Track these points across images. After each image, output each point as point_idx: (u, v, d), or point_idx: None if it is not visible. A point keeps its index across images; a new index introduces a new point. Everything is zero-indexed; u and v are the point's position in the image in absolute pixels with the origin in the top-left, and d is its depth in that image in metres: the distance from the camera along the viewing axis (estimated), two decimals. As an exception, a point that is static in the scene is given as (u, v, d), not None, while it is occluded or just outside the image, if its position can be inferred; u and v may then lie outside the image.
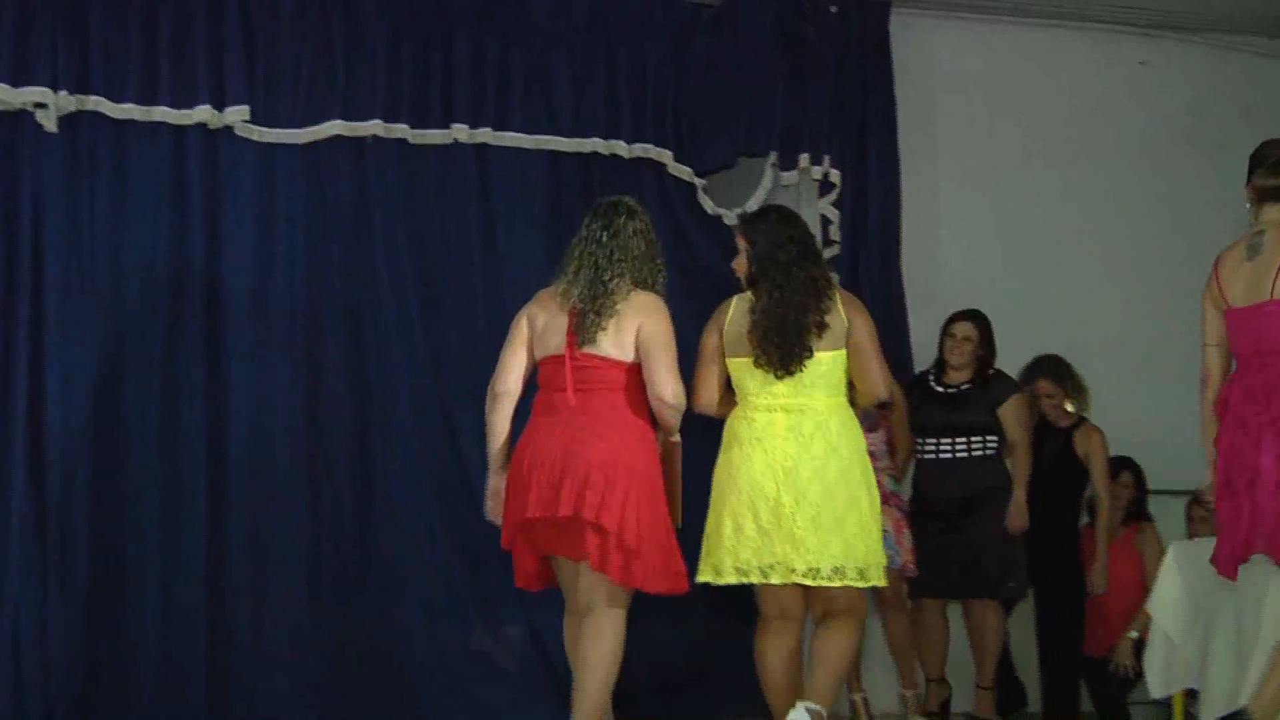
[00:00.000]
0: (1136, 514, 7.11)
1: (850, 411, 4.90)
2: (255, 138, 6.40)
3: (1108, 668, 6.79)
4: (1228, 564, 4.78)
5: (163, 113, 6.25)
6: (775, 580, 4.77)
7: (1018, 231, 7.82)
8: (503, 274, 6.71)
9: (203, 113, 6.27)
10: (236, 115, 6.32)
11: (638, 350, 4.81)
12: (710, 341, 4.94)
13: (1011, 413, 6.53)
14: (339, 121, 6.49)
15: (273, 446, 6.30)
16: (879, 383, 4.90)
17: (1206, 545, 5.32)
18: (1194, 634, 5.13)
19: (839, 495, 4.75)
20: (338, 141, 6.51)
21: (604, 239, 4.92)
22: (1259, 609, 4.83)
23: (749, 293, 4.96)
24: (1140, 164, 8.08)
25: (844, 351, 4.85)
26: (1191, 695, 5.19)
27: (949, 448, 6.51)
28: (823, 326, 4.81)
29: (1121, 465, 7.07)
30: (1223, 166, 8.16)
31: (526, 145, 6.80)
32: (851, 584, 4.78)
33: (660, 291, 4.99)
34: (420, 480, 6.41)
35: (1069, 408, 7.01)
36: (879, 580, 4.86)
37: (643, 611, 5.14)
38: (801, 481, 4.73)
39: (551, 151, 6.84)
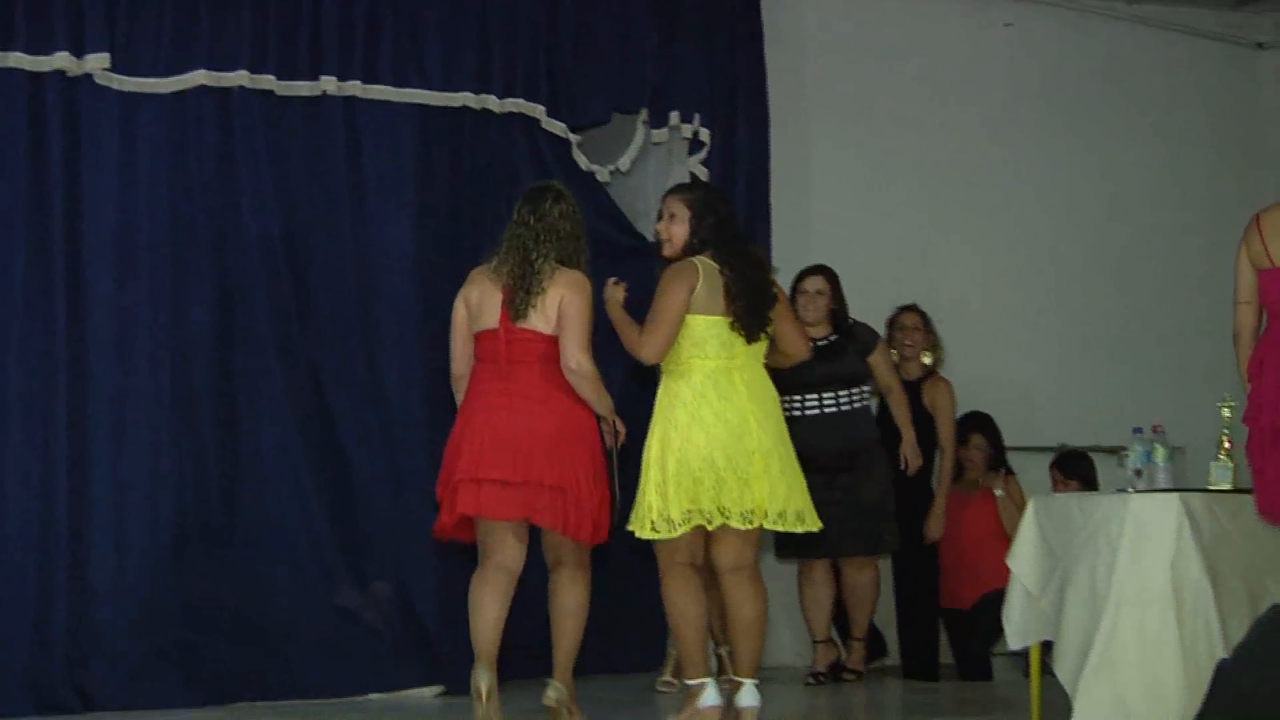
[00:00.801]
0: (995, 467, 7.23)
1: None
2: (116, 86, 6.24)
3: (969, 621, 6.93)
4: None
5: (18, 58, 6.07)
6: (735, 524, 4.98)
7: (886, 192, 7.91)
8: (371, 228, 6.64)
9: (61, 59, 6.11)
10: (97, 63, 6.17)
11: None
12: (678, 298, 5.06)
13: (883, 358, 6.69)
14: (203, 71, 6.35)
15: (136, 400, 6.19)
16: (802, 343, 5.42)
17: (1065, 500, 5.45)
18: (1051, 587, 5.25)
19: (785, 446, 5.11)
20: (202, 92, 6.38)
21: (531, 222, 5.28)
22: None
23: (706, 257, 5.14)
24: (1005, 127, 8.21)
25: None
26: (1048, 647, 5.31)
27: (831, 401, 6.51)
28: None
29: (974, 426, 7.17)
30: (1082, 130, 8.37)
31: (395, 98, 6.71)
32: (792, 528, 5.05)
33: (584, 268, 5.33)
34: (287, 434, 6.34)
35: (925, 359, 7.11)
36: (814, 524, 5.12)
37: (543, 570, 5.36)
38: (757, 433, 5.01)
39: (421, 105, 6.77)
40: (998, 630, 6.46)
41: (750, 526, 4.97)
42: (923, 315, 7.10)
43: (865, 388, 6.62)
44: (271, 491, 6.32)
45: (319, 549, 6.33)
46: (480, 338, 5.27)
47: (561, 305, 5.17)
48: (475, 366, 5.30)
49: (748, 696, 5.00)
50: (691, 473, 4.95)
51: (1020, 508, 6.93)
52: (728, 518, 4.95)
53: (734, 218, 5.33)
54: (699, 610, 5.04)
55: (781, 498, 4.99)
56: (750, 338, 5.08)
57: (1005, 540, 6.83)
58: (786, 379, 5.84)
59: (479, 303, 5.27)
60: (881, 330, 7.02)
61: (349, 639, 6.31)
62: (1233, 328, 5.15)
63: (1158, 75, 8.60)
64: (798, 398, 6.46)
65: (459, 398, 5.38)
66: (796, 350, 5.37)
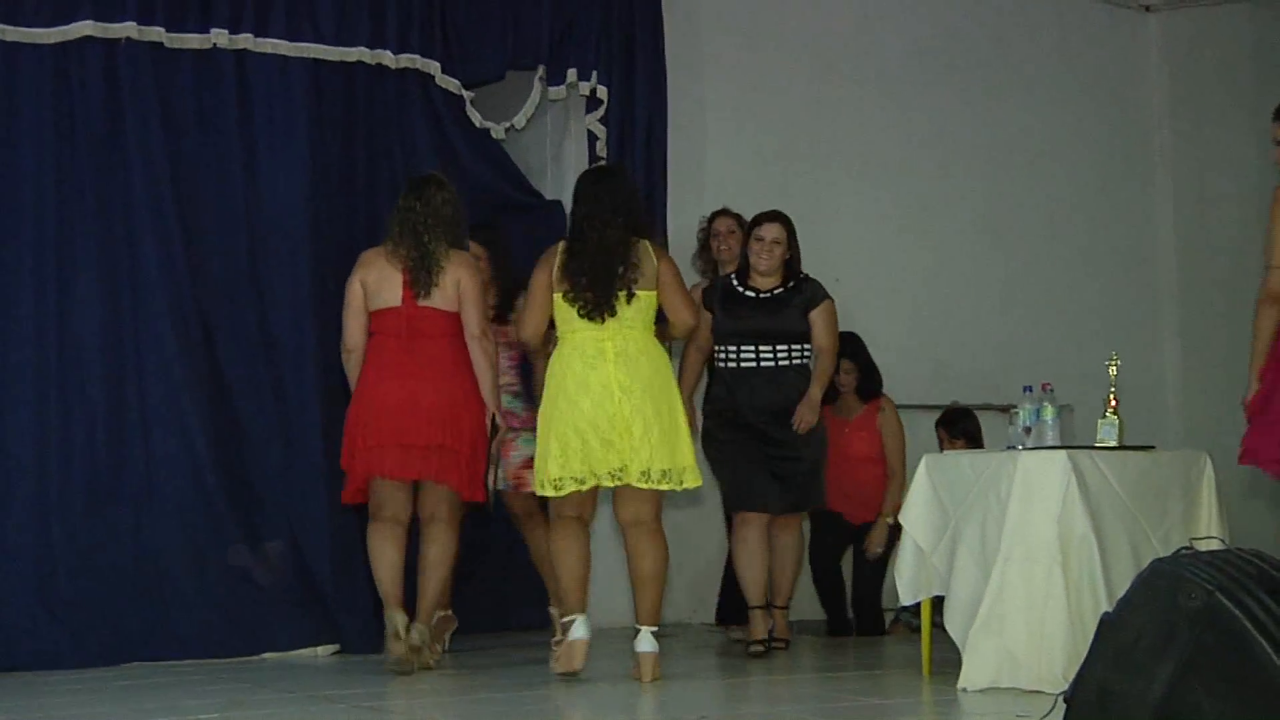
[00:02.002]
0: (871, 392, 7.21)
1: (657, 341, 5.54)
2: (-2, 37, 6.11)
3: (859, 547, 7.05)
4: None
5: (-111, 6, 5.92)
6: (605, 484, 5.35)
7: (783, 150, 7.95)
8: (263, 184, 6.55)
9: (-61, 7, 5.96)
10: (-25, 13, 6.02)
11: (458, 300, 5.70)
12: (540, 279, 5.47)
13: (824, 317, 6.26)
14: (90, 22, 6.22)
15: (22, 356, 6.08)
16: (686, 313, 5.54)
17: (956, 458, 5.53)
18: (943, 544, 5.32)
19: (664, 410, 5.37)
20: (88, 43, 6.24)
21: (418, 208, 5.73)
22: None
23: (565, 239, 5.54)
24: (895, 86, 8.27)
25: (655, 292, 5.45)
26: (938, 602, 5.39)
27: (769, 355, 6.20)
28: (635, 271, 5.41)
29: (841, 349, 7.10)
30: (970, 91, 8.45)
31: (288, 53, 6.62)
32: (673, 487, 5.38)
33: (468, 249, 5.85)
34: (177, 392, 6.25)
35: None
36: (694, 482, 5.42)
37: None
38: (620, 398, 5.32)
39: (315, 60, 6.68)
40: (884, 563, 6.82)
41: (617, 484, 5.32)
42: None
43: (806, 346, 6.27)
44: (161, 450, 6.23)
45: (210, 508, 6.26)
46: (381, 315, 5.71)
47: (460, 286, 5.67)
48: (374, 341, 5.72)
49: (645, 643, 5.30)
50: (561, 437, 5.32)
51: (895, 435, 7.07)
52: (598, 478, 5.31)
53: (608, 200, 5.44)
54: (577, 558, 5.41)
55: (645, 458, 5.29)
56: (589, 313, 5.36)
57: (885, 462, 7.07)
58: (722, 328, 6.21)
59: (378, 282, 5.70)
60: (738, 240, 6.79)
61: (241, 598, 6.26)
62: (1267, 290, 5.22)
63: (1046, 37, 8.71)
64: (732, 349, 6.23)
65: (351, 371, 5.78)
66: (679, 320, 5.55)
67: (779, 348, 6.21)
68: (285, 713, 4.82)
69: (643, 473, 5.29)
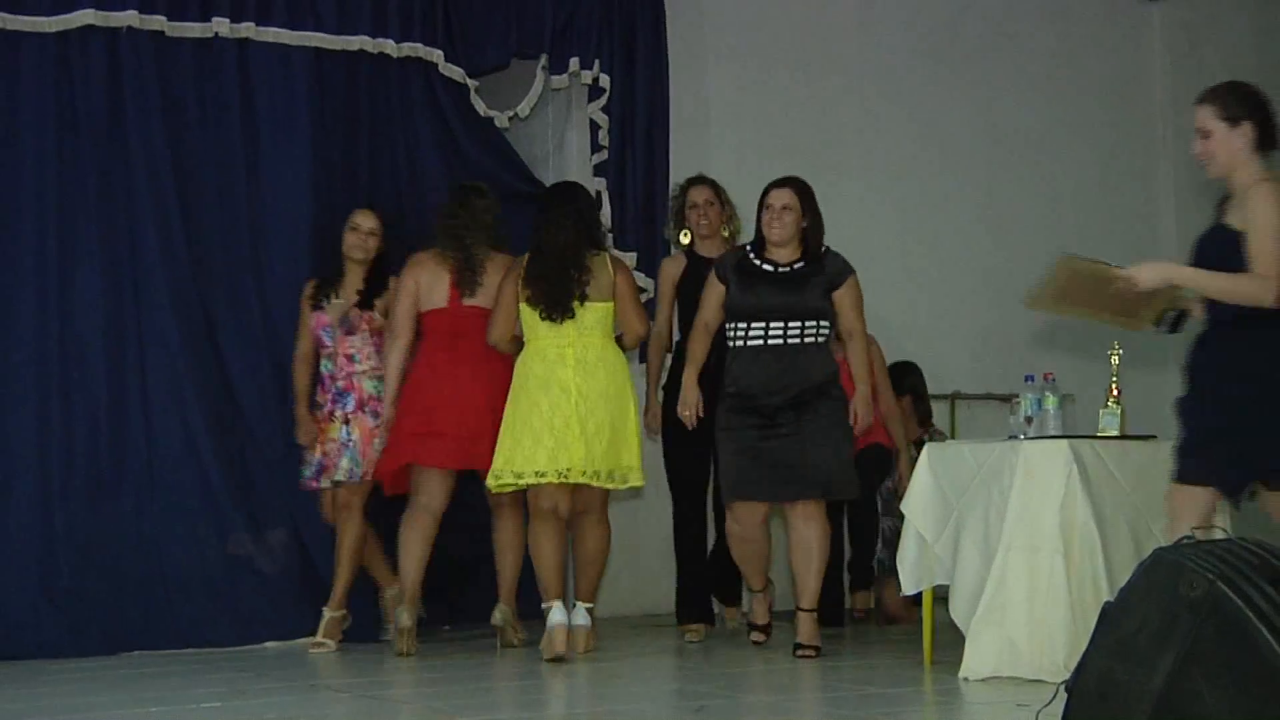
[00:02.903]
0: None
1: (617, 348, 5.92)
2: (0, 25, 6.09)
3: None
4: None
5: (-111, -6, 5.92)
6: (554, 481, 5.73)
7: (784, 139, 7.93)
8: (264, 174, 6.55)
9: (-60, -4, 5.96)
10: (-24, 1, 6.03)
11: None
12: (508, 289, 5.86)
13: (851, 296, 5.79)
14: (91, 11, 6.22)
15: (22, 346, 6.09)
16: (637, 323, 5.91)
17: (958, 447, 5.53)
18: (945, 533, 5.32)
19: (616, 416, 5.76)
20: (89, 32, 6.24)
21: (461, 214, 6.09)
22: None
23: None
24: (897, 75, 8.25)
25: (612, 303, 5.84)
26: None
27: (778, 333, 5.70)
28: (589, 276, 5.78)
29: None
30: (973, 79, 8.43)
31: (290, 41, 6.61)
32: (618, 485, 5.85)
33: (506, 250, 6.12)
34: (179, 381, 6.26)
35: (724, 234, 6.53)
36: (638, 481, 5.86)
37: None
38: (577, 400, 5.71)
39: (317, 49, 6.67)
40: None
41: (566, 482, 5.71)
42: (715, 187, 6.32)
43: (823, 322, 5.75)
44: (163, 440, 6.24)
45: (212, 497, 6.26)
46: (430, 315, 6.05)
47: (498, 287, 5.95)
48: (425, 342, 6.07)
49: (579, 616, 5.80)
50: (517, 436, 5.74)
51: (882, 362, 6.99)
52: (545, 476, 5.70)
53: (566, 209, 5.86)
54: (552, 548, 5.78)
55: (597, 458, 5.71)
56: (548, 315, 5.75)
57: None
58: (738, 306, 5.79)
59: (429, 284, 6.05)
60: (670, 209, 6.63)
61: (243, 587, 6.27)
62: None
63: (1048, 30, 8.69)
64: (741, 326, 5.77)
65: (392, 357, 6.06)
66: (631, 330, 5.92)
67: (793, 325, 5.73)
68: (287, 701, 4.83)
69: (593, 472, 5.71)
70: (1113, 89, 8.83)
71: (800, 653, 5.68)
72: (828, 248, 5.86)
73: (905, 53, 8.28)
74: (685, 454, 6.34)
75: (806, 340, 5.74)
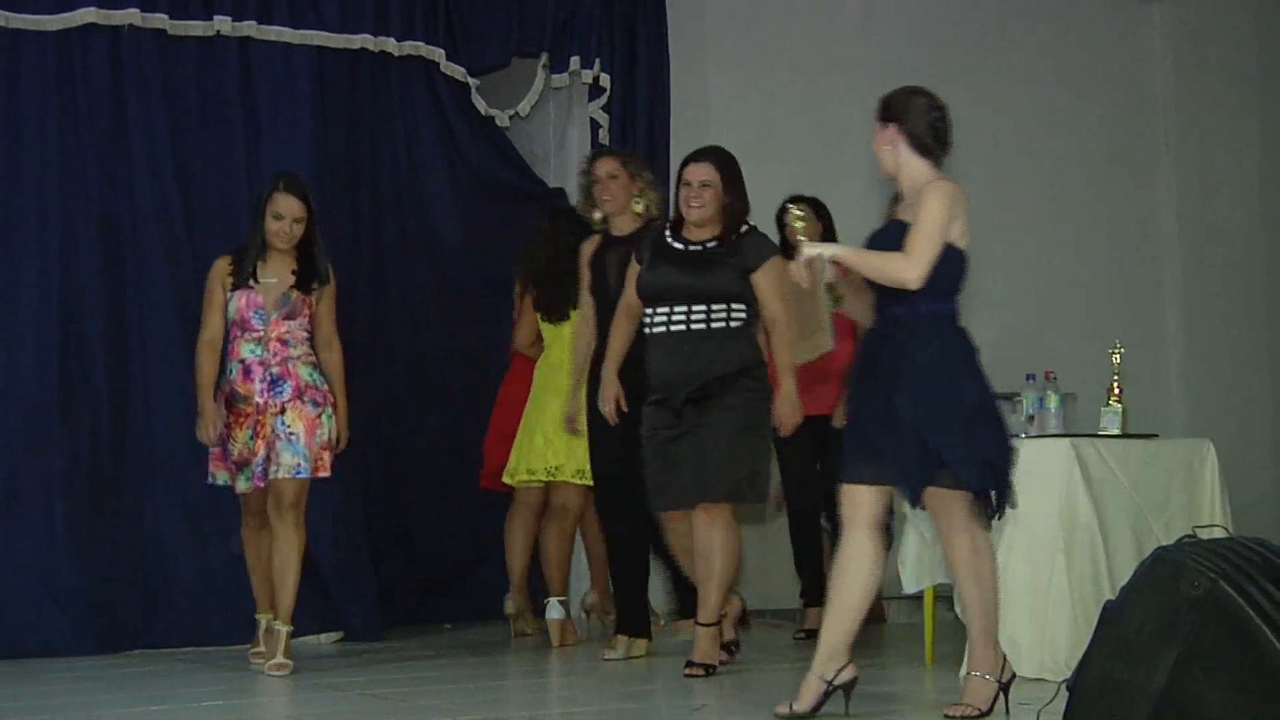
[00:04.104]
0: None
1: None
2: (0, 23, 6.09)
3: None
4: None
5: (-110, -7, 5.92)
6: (556, 478, 6.15)
7: (785, 137, 7.92)
8: (266, 173, 6.48)
9: (-58, -5, 5.96)
10: (-22, 0, 6.03)
11: None
12: (524, 294, 6.31)
13: (771, 279, 5.19)
14: (93, 9, 6.22)
15: (22, 345, 6.09)
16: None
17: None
18: (946, 531, 5.31)
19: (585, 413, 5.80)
20: (91, 30, 6.24)
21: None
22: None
23: None
24: (897, 73, 8.15)
25: None
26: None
27: (682, 318, 5.15)
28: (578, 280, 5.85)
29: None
30: (972, 78, 8.41)
31: (292, 40, 6.62)
32: (571, 480, 6.10)
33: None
34: (182, 384, 6.21)
35: (636, 209, 5.82)
36: (586, 481, 6.00)
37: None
38: (556, 402, 6.07)
39: (318, 47, 6.68)
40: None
41: (551, 479, 6.14)
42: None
43: (737, 306, 5.16)
44: (164, 438, 6.23)
45: (214, 495, 6.25)
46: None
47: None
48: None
49: (552, 610, 6.02)
50: (530, 435, 6.19)
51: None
52: (558, 474, 6.11)
53: (562, 219, 6.28)
54: (557, 545, 6.17)
55: (580, 459, 5.93)
56: (547, 316, 6.18)
57: None
58: (645, 287, 5.29)
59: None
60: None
61: (245, 586, 6.25)
62: None
63: (1049, 26, 8.68)
64: (649, 312, 5.27)
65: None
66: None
67: (704, 308, 5.14)
68: (288, 700, 4.83)
69: (578, 470, 6.01)
70: (1113, 89, 8.82)
71: (688, 671, 5.12)
72: (752, 227, 5.32)
73: (906, 46, 8.25)
74: (605, 453, 5.68)
75: (715, 326, 5.14)
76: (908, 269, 4.12)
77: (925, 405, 4.10)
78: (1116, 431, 5.32)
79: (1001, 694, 4.27)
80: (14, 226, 6.13)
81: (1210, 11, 8.80)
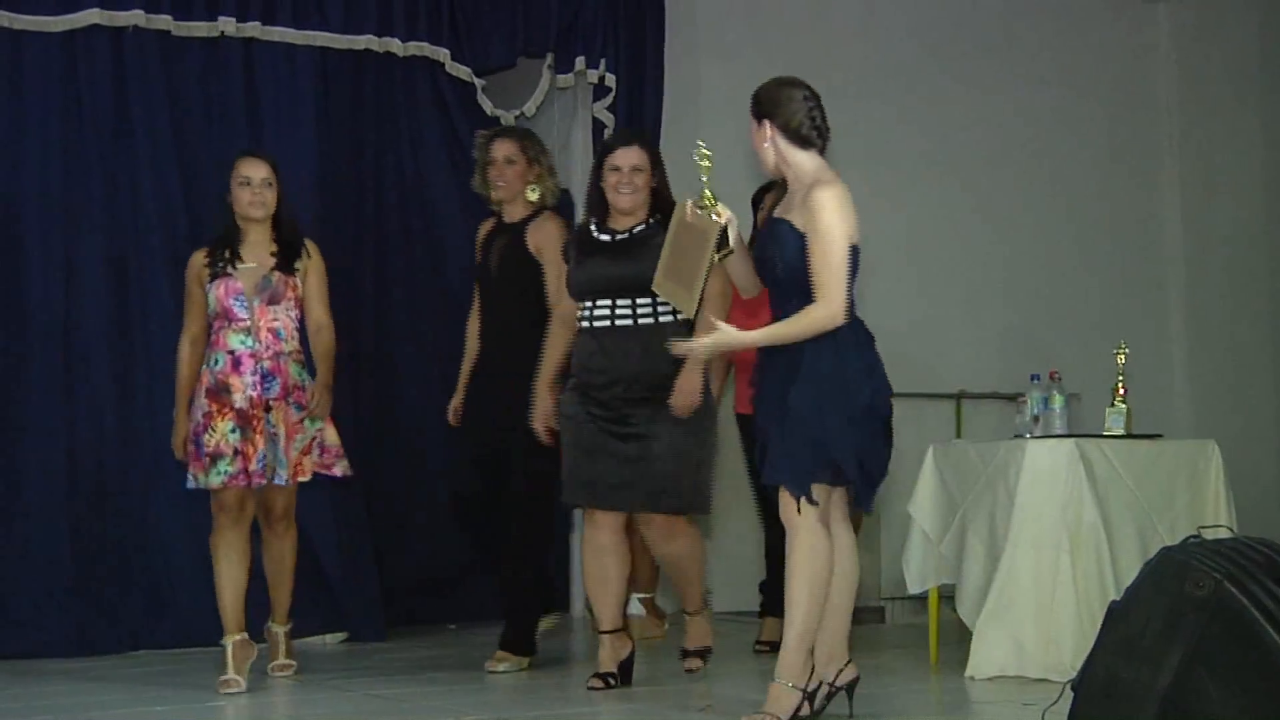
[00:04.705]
0: None
1: None
2: (5, 24, 6.11)
3: None
4: None
5: (-101, -5, 5.93)
6: None
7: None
8: (270, 174, 6.54)
9: (-53, -4, 5.97)
10: (-16, 1, 6.04)
11: None
12: None
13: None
14: (97, 10, 6.23)
15: (27, 344, 6.10)
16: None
17: (963, 447, 5.52)
18: (951, 532, 5.32)
19: None
20: (95, 31, 6.25)
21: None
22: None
23: None
24: (899, 74, 8.20)
25: None
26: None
27: (627, 311, 4.86)
28: None
29: None
30: (976, 79, 8.40)
31: (296, 40, 6.62)
32: None
33: None
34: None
35: (530, 196, 5.61)
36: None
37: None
38: None
39: (322, 48, 6.68)
40: None
41: None
42: (520, 141, 5.47)
43: None
44: (167, 438, 6.19)
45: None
46: None
47: None
48: None
49: (631, 605, 5.93)
50: None
51: None
52: None
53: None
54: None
55: None
56: None
57: None
58: (574, 283, 5.02)
59: None
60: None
61: (250, 586, 6.25)
62: None
63: (1053, 26, 8.67)
64: (586, 306, 4.96)
65: None
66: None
67: (639, 301, 4.84)
68: (293, 700, 4.83)
69: None
70: (1117, 89, 8.81)
71: (688, 665, 5.28)
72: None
73: (909, 47, 8.24)
74: (473, 459, 5.50)
75: (664, 320, 4.85)
76: (829, 316, 4.03)
77: (816, 401, 4.03)
78: (1121, 432, 5.32)
79: (806, 702, 4.15)
80: (18, 226, 6.14)
81: (1214, 11, 8.80)
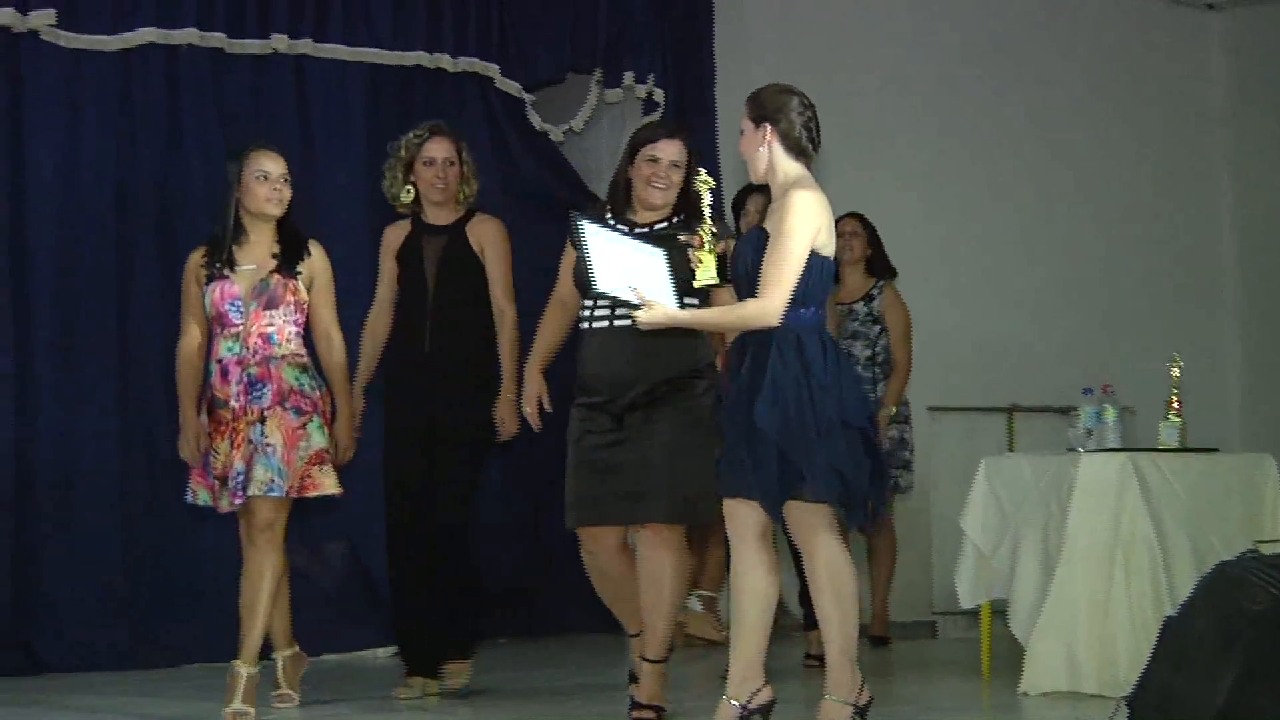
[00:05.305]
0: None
1: None
2: (63, 43, 6.18)
3: None
4: None
5: (-40, 15, 6.00)
6: None
7: (836, 150, 7.81)
8: (320, 191, 6.58)
9: (6, 15, 6.04)
10: (42, 19, 6.10)
11: None
12: None
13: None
14: (152, 29, 6.29)
15: (82, 357, 6.15)
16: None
17: (1016, 460, 5.49)
18: (1004, 546, 5.29)
19: None
20: (150, 49, 6.31)
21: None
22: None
23: None
24: (951, 85, 8.17)
25: None
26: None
27: (606, 311, 4.57)
28: None
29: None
30: (1029, 90, 8.37)
31: (347, 57, 6.67)
32: None
33: None
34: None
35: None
36: None
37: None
38: None
39: (373, 64, 6.73)
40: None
41: None
42: (458, 142, 5.30)
43: (690, 299, 4.30)
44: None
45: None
46: None
47: None
48: None
49: (692, 602, 6.10)
50: None
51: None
52: None
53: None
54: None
55: None
56: None
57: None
58: (577, 277, 4.62)
59: None
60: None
61: (301, 600, 6.26)
62: None
63: (1106, 34, 8.63)
64: (588, 304, 4.65)
65: None
66: None
67: None
68: (343, 713, 4.84)
69: None
70: (1172, 94, 8.75)
71: (635, 714, 4.56)
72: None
73: (963, 58, 8.19)
74: (405, 461, 5.30)
75: None
76: (761, 312, 3.98)
77: (782, 416, 3.96)
78: (1175, 445, 5.28)
79: (857, 718, 4.09)
80: (74, 240, 6.20)
81: (1270, 20, 8.73)
